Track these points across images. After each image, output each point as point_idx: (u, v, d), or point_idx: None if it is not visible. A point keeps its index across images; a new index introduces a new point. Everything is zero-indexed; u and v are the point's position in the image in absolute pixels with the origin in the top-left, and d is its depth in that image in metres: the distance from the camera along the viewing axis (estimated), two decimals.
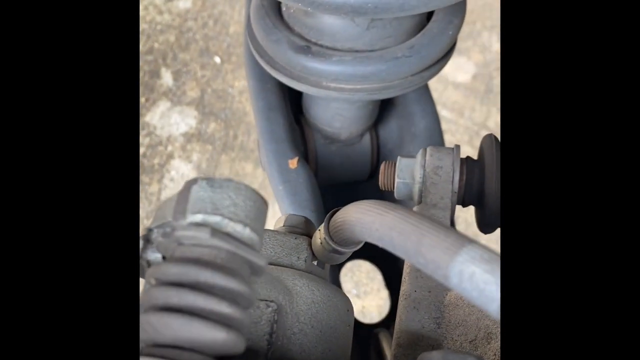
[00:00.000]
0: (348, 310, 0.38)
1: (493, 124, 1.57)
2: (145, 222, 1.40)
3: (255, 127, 0.69)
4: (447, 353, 0.29)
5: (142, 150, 1.47)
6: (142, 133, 1.50)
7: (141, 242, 0.28)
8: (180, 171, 1.46)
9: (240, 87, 1.58)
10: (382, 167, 0.47)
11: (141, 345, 0.24)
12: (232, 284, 0.24)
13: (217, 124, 1.53)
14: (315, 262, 0.40)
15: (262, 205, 0.27)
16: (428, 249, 0.23)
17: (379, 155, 0.75)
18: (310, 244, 0.40)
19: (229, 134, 1.52)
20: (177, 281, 0.24)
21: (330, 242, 0.35)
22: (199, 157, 1.48)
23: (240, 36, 1.68)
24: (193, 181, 0.26)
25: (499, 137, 0.44)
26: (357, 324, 0.71)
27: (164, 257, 0.28)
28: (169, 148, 1.49)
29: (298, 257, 0.39)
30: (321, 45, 0.55)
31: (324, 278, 0.40)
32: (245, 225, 0.26)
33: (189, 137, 1.50)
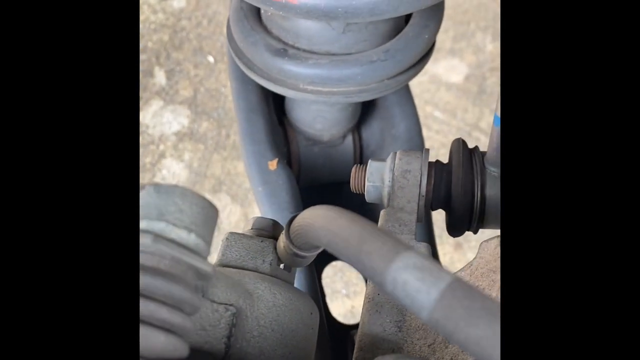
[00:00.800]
0: (312, 314, 0.38)
1: (485, 125, 1.57)
2: None
3: (238, 130, 0.70)
4: (400, 357, 0.30)
5: None
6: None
7: None
8: (172, 170, 1.46)
9: None
10: (353, 170, 0.48)
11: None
12: (174, 289, 0.25)
13: (210, 123, 1.53)
14: (281, 266, 0.40)
15: (210, 211, 0.27)
16: (366, 256, 0.23)
17: (362, 157, 0.75)
18: (275, 248, 0.40)
19: (221, 133, 1.52)
20: None
21: (291, 246, 0.35)
22: (191, 156, 1.49)
23: None
24: (142, 187, 0.27)
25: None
26: (336, 325, 0.71)
27: None
28: (161, 147, 1.49)
29: (263, 261, 0.39)
30: (298, 48, 0.55)
31: (289, 282, 0.40)
32: (190, 231, 0.26)
33: (181, 136, 1.50)
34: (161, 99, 1.55)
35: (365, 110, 0.73)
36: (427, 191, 0.43)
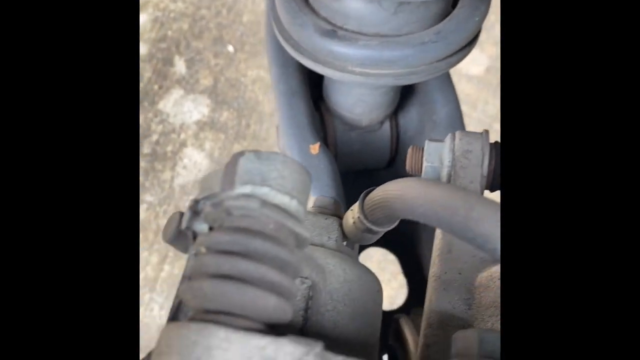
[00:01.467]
0: (378, 291, 0.38)
1: None
2: (157, 209, 1.40)
3: (276, 113, 0.69)
4: (483, 331, 0.29)
5: (155, 137, 1.48)
6: (155, 120, 1.50)
7: (188, 213, 0.28)
8: (193, 159, 1.46)
9: (253, 77, 1.58)
10: (410, 150, 0.47)
11: (191, 312, 0.25)
12: (281, 253, 0.25)
13: (230, 112, 1.53)
14: (344, 243, 0.40)
15: (306, 178, 0.27)
16: (476, 223, 0.23)
17: (399, 143, 0.75)
18: (340, 225, 0.40)
19: (241, 122, 1.52)
20: (228, 249, 0.24)
21: (365, 221, 0.35)
22: (212, 145, 1.48)
23: (254, 25, 1.67)
24: (240, 154, 0.26)
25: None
26: None
27: (210, 228, 0.28)
28: (182, 136, 1.49)
29: (329, 237, 0.39)
30: (347, 30, 0.55)
31: (354, 258, 0.40)
32: (292, 197, 0.26)
33: (201, 125, 1.50)
34: (182, 88, 1.55)
35: (404, 96, 0.73)
36: (488, 172, 0.43)
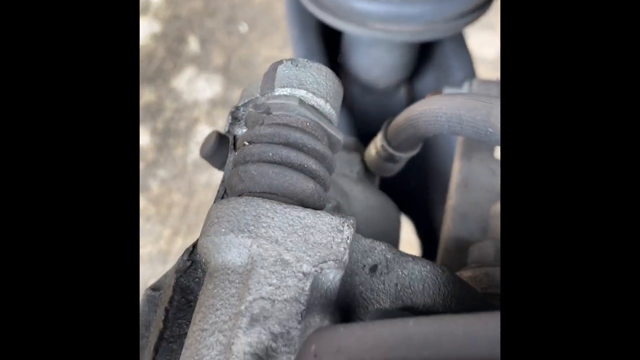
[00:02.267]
0: (397, 219, 0.40)
1: None
2: (170, 184, 1.43)
3: None
4: (498, 241, 0.31)
5: (168, 114, 1.50)
6: (168, 97, 1.52)
7: (229, 119, 0.30)
8: (206, 135, 1.48)
9: (265, 56, 1.60)
10: (428, 96, 0.49)
11: (236, 194, 0.26)
12: (318, 146, 0.27)
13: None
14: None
15: (339, 86, 0.29)
16: (497, 120, 0.25)
17: None
18: (362, 159, 0.42)
19: None
20: (271, 141, 0.26)
21: (388, 147, 0.37)
22: (224, 122, 1.51)
23: (266, 6, 1.69)
24: (278, 62, 0.28)
25: None
26: None
27: None
28: (195, 113, 1.51)
29: (351, 170, 0.41)
30: None
31: (375, 188, 0.42)
32: (327, 100, 0.28)
33: (214, 103, 1.52)
34: (195, 66, 1.57)
35: (419, 61, 0.74)
36: None
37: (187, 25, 1.63)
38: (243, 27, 1.63)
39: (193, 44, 1.61)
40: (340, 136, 0.28)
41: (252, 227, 0.23)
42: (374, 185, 0.42)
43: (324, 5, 0.59)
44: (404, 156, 0.38)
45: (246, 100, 0.29)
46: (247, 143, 0.27)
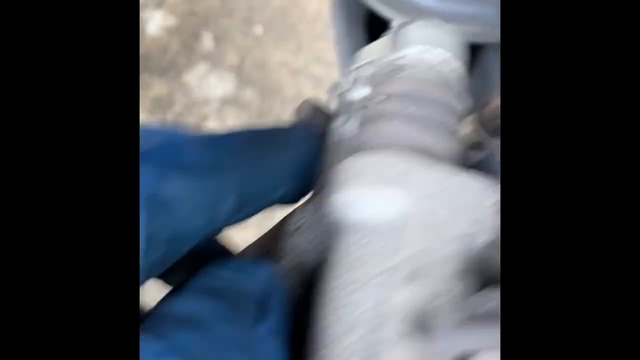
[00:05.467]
0: None
1: None
2: None
3: (340, 71, 0.70)
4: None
5: (178, 108, 1.48)
6: (179, 92, 1.50)
7: (345, 81, 0.28)
8: None
9: (279, 60, 1.59)
10: (494, 99, 0.48)
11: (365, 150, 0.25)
12: (459, 107, 0.25)
13: (254, 92, 1.54)
14: None
15: (467, 55, 0.28)
16: None
17: None
18: None
19: (264, 104, 1.53)
20: (410, 95, 0.25)
21: (481, 132, 0.36)
22: (234, 122, 1.49)
23: (284, 9, 1.69)
24: (408, 21, 0.27)
25: None
26: None
27: None
28: (205, 109, 1.49)
29: None
30: None
31: None
32: (462, 65, 0.27)
33: (225, 101, 1.51)
34: (208, 63, 1.55)
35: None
36: None
37: (203, 23, 1.62)
38: (258, 29, 1.62)
39: (207, 41, 1.59)
40: (469, 102, 0.27)
41: (403, 180, 0.22)
42: None
43: None
44: (495, 143, 0.36)
45: (368, 60, 0.28)
46: (382, 97, 0.26)
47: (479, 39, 0.58)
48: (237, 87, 1.53)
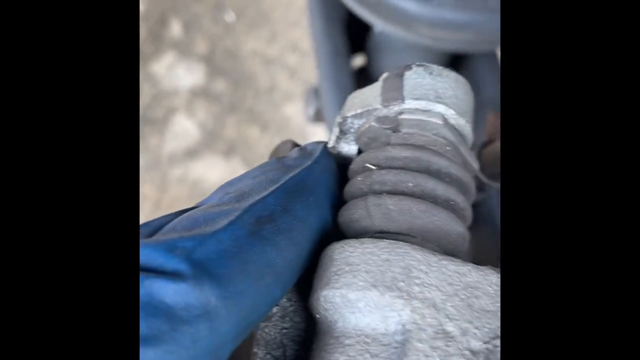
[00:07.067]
0: (471, 254, 0.35)
1: None
2: (144, 175, 1.33)
3: (318, 73, 0.65)
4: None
5: (146, 100, 1.40)
6: (147, 82, 1.42)
7: (335, 132, 0.24)
8: (184, 127, 1.39)
9: (252, 48, 1.52)
10: (490, 117, 0.45)
11: (358, 232, 0.21)
12: (465, 177, 0.21)
13: (226, 83, 1.47)
14: None
15: (473, 103, 0.24)
16: None
17: None
18: None
19: (236, 95, 1.46)
20: (406, 166, 0.21)
21: (481, 175, 0.32)
22: (205, 114, 1.42)
23: None
24: (405, 67, 0.23)
25: None
26: None
27: (359, 152, 0.24)
28: (174, 101, 1.42)
29: None
30: None
31: None
32: (467, 121, 0.22)
33: (195, 92, 1.43)
34: (176, 52, 1.47)
35: None
36: None
37: (171, 8, 1.53)
38: (230, 16, 1.55)
39: (176, 28, 1.51)
40: (476, 165, 0.23)
41: (402, 284, 0.17)
42: None
43: (366, 2, 0.54)
44: (495, 186, 0.33)
45: (359, 110, 0.23)
46: (372, 166, 0.21)
47: (469, 48, 0.54)
48: (208, 77, 1.46)
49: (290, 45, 1.54)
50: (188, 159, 1.36)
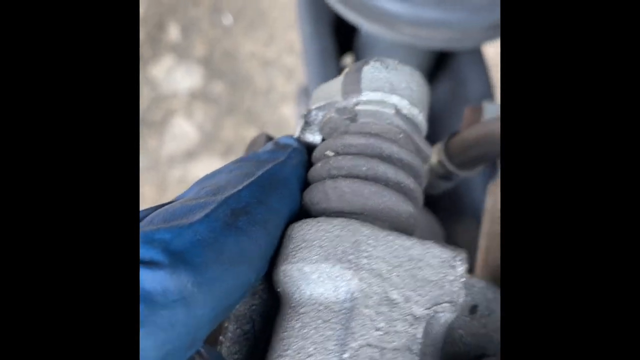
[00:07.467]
0: (443, 237, 0.37)
1: None
2: (144, 175, 1.35)
3: (306, 72, 0.67)
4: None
5: (145, 103, 1.42)
6: (146, 86, 1.44)
7: (299, 123, 0.25)
8: (183, 128, 1.41)
9: (250, 50, 1.54)
10: (467, 111, 0.46)
11: (318, 212, 0.22)
12: (415, 162, 0.23)
13: (224, 85, 1.49)
14: None
15: (429, 95, 0.25)
16: None
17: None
18: None
19: (234, 97, 1.48)
20: (361, 152, 0.22)
21: (449, 164, 0.33)
22: (203, 116, 1.44)
23: None
24: (363, 62, 0.24)
25: None
26: None
27: (323, 140, 0.26)
28: (173, 104, 1.44)
29: None
30: None
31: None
32: (420, 110, 0.24)
33: (193, 95, 1.45)
34: (175, 55, 1.49)
35: (433, 72, 0.72)
36: None
37: (169, 12, 1.55)
38: (227, 19, 1.57)
39: (174, 32, 1.53)
40: (429, 151, 0.24)
41: (352, 257, 0.19)
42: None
43: (348, 1, 0.55)
44: (463, 175, 0.34)
45: (322, 103, 0.25)
46: (331, 153, 0.23)
47: (450, 46, 0.55)
48: (206, 79, 1.48)
49: (287, 47, 1.56)
50: (187, 161, 1.38)
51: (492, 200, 0.40)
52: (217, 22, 1.56)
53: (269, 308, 0.23)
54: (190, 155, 1.39)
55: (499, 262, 0.36)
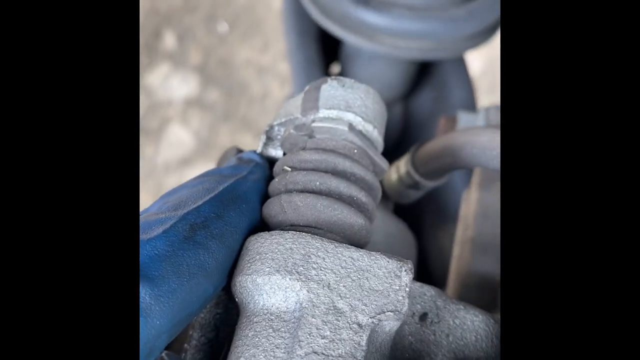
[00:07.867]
0: (415, 249, 0.38)
1: None
2: (141, 196, 1.36)
3: (292, 82, 0.68)
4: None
5: (141, 111, 1.44)
6: (141, 94, 1.46)
7: (262, 138, 0.27)
8: (179, 136, 1.43)
9: (245, 58, 1.56)
10: (442, 121, 0.47)
11: (276, 225, 0.24)
12: (368, 176, 0.24)
13: (219, 92, 1.50)
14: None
15: (385, 111, 0.27)
16: None
17: (409, 127, 0.75)
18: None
19: (230, 104, 1.50)
20: (316, 167, 0.23)
21: (415, 174, 0.35)
22: (199, 123, 1.45)
23: (248, 7, 1.65)
24: (322, 81, 0.26)
25: None
26: None
27: (284, 154, 0.27)
28: (168, 112, 1.45)
29: None
30: None
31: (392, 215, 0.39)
32: (375, 126, 0.25)
33: (189, 102, 1.47)
34: (170, 63, 1.51)
35: (417, 79, 0.73)
36: None
37: (165, 20, 1.57)
38: (223, 27, 1.59)
39: (169, 40, 1.55)
40: (385, 165, 0.26)
41: (301, 269, 0.20)
42: (390, 210, 0.40)
43: (329, 14, 0.57)
44: (430, 185, 0.36)
45: (283, 120, 0.26)
46: (288, 168, 0.24)
47: (429, 56, 0.57)
48: (202, 87, 1.50)
49: (282, 53, 1.58)
50: (183, 168, 1.40)
51: (465, 207, 0.42)
52: (213, 30, 1.58)
53: (234, 316, 0.24)
54: (186, 162, 1.41)
55: (468, 268, 0.38)
